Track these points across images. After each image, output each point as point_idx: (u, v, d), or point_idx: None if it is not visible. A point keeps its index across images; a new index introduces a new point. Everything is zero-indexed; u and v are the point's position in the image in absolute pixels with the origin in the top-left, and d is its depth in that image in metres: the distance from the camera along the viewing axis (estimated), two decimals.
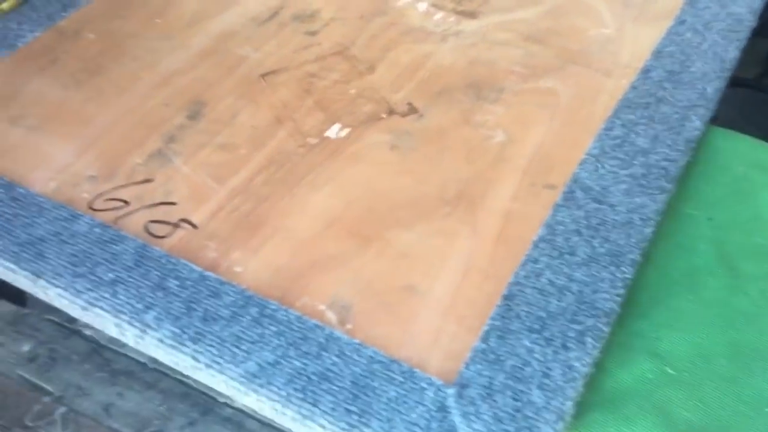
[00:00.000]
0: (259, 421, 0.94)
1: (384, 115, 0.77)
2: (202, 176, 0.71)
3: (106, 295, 0.61)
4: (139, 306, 0.60)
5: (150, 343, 0.59)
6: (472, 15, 0.90)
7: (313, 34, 0.87)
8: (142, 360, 0.99)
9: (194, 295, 0.61)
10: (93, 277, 0.62)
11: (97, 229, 0.66)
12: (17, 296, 1.04)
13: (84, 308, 0.60)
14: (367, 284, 0.62)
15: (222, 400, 0.96)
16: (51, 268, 0.62)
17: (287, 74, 0.82)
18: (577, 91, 0.80)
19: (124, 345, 1.01)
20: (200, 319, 0.59)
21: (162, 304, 0.60)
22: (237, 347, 0.57)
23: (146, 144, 0.74)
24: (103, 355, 0.99)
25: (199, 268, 0.63)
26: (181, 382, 0.97)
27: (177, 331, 0.58)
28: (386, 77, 0.81)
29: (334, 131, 0.75)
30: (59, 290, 0.61)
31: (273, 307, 0.60)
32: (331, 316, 0.60)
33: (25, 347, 0.99)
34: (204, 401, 0.96)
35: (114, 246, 0.64)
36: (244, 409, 0.94)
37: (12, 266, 0.63)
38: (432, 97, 0.79)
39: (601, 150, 0.73)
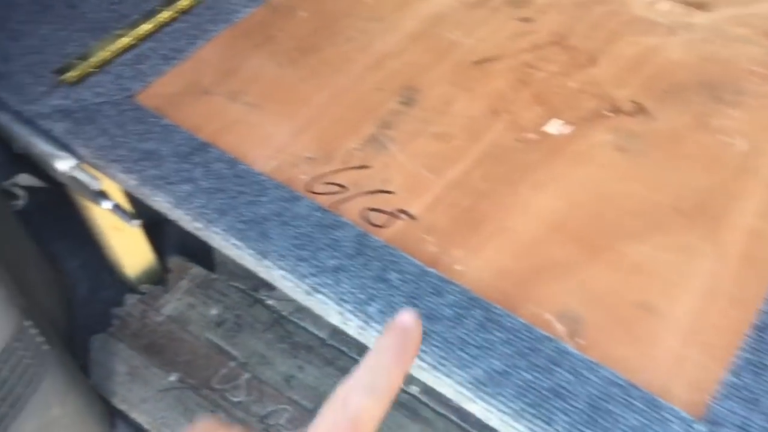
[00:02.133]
0: (433, 410, 0.93)
1: (608, 113, 0.72)
2: (417, 166, 0.69)
3: (330, 282, 0.61)
4: (362, 296, 0.59)
5: (372, 336, 0.58)
6: (702, 6, 0.83)
7: (527, 21, 0.83)
8: (322, 335, 1.01)
9: (416, 291, 0.60)
10: (316, 262, 0.62)
11: (317, 213, 0.66)
12: (207, 261, 1.09)
13: (308, 293, 0.61)
14: (597, 297, 0.58)
15: None
16: (275, 249, 0.63)
17: (501, 63, 0.78)
18: None
19: (304, 318, 1.03)
20: (423, 316, 0.58)
21: (384, 296, 0.59)
22: (463, 351, 0.55)
23: (361, 128, 0.73)
24: (285, 326, 1.02)
25: (419, 263, 0.61)
26: (358, 361, 0.98)
27: None
28: (609, 71, 0.76)
29: (554, 127, 0.71)
30: (284, 272, 0.62)
31: (498, 311, 0.58)
32: (560, 328, 0.57)
33: (213, 311, 1.03)
34: None
35: (334, 232, 0.64)
36: (419, 396, 0.94)
37: (238, 243, 0.64)
38: (660, 95, 0.73)
39: None
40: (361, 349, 0.95)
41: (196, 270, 1.07)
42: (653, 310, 0.57)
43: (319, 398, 0.94)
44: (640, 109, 0.72)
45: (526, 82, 0.76)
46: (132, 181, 0.70)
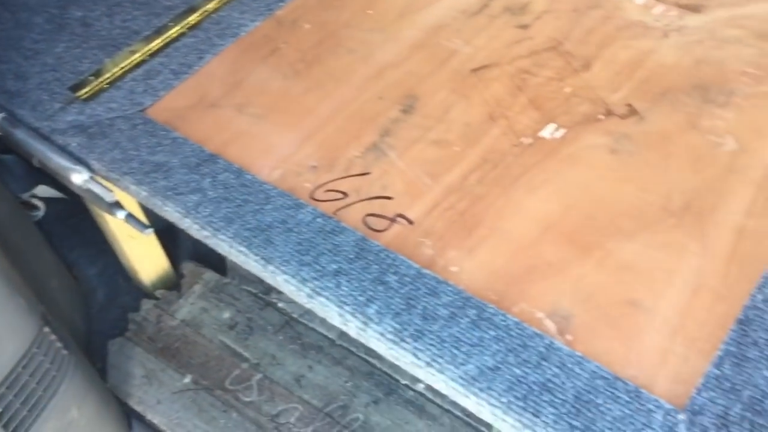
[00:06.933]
0: (439, 406, 0.96)
1: (601, 116, 0.74)
2: (416, 172, 0.72)
3: (330, 285, 0.63)
4: (361, 299, 0.62)
5: (371, 336, 0.61)
6: (696, 9, 0.84)
7: (524, 27, 0.85)
8: (331, 336, 1.03)
9: (413, 292, 0.62)
10: (318, 267, 0.65)
11: (319, 220, 0.69)
12: (219, 266, 1.12)
13: (309, 296, 0.64)
14: (587, 295, 0.60)
15: (404, 382, 0.98)
16: (279, 255, 0.66)
17: (499, 70, 0.81)
18: None
19: (313, 319, 1.06)
20: (420, 316, 0.60)
21: (382, 298, 0.62)
22: (457, 348, 0.58)
23: (363, 137, 0.76)
24: (295, 328, 1.05)
25: (416, 265, 0.64)
26: (366, 361, 1.01)
27: (398, 326, 0.60)
28: (603, 75, 0.78)
29: (548, 131, 0.74)
30: (287, 277, 0.65)
31: (491, 310, 0.60)
32: (550, 326, 0.59)
33: (226, 314, 1.06)
34: (387, 382, 0.99)
35: (335, 237, 0.67)
36: (425, 393, 0.97)
37: (244, 250, 0.67)
38: (653, 98, 0.75)
39: None
40: (369, 348, 0.98)
41: (209, 275, 1.10)
42: (640, 307, 0.59)
43: (327, 397, 0.97)
44: (632, 112, 0.74)
45: (522, 88, 0.78)
46: (143, 193, 0.73)
